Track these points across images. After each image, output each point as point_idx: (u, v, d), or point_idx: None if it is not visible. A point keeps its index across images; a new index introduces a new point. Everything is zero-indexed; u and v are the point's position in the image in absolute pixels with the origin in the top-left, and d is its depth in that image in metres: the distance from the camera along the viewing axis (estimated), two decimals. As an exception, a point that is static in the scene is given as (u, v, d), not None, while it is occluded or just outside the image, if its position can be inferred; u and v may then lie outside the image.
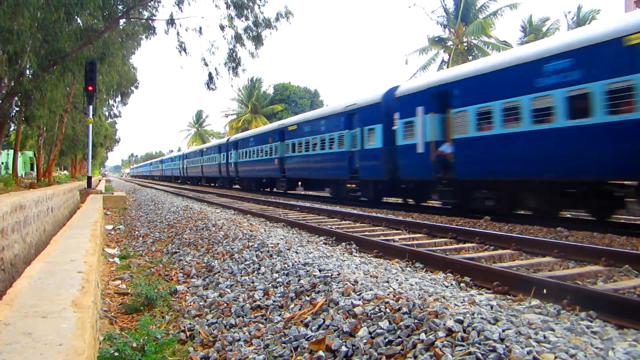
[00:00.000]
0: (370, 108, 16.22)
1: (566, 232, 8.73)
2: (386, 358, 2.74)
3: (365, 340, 2.93)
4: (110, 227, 11.83)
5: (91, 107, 18.34)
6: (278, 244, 6.27)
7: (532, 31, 35.56)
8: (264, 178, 27.62)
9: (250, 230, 7.75)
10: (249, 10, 17.02)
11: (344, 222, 10.85)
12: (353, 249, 6.91)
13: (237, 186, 34.24)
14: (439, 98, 12.79)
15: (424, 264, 5.69)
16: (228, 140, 35.47)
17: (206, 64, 18.27)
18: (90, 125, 19.35)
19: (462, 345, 2.61)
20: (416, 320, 2.98)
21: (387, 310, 3.22)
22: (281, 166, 23.69)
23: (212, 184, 41.93)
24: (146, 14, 17.82)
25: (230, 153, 33.01)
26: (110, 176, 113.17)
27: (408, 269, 5.55)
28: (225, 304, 4.35)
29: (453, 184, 12.42)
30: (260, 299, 4.31)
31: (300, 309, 3.79)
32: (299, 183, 24.78)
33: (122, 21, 17.26)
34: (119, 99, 33.15)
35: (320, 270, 4.56)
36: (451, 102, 12.28)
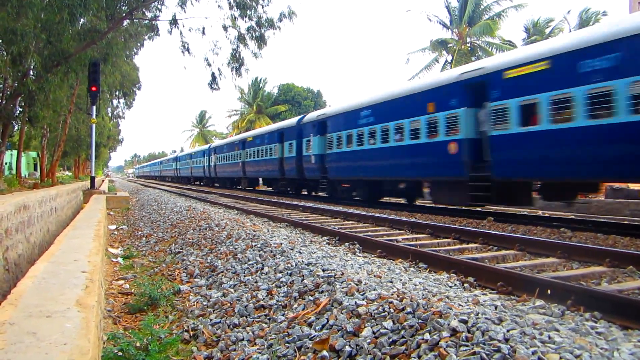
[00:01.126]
0: None
1: (569, 232, 8.71)
2: (390, 358, 2.73)
3: (369, 340, 2.93)
4: (113, 227, 11.86)
5: (94, 107, 18.41)
6: (281, 243, 6.26)
7: (536, 32, 35.48)
8: (404, 180, 15.35)
9: (254, 230, 7.75)
10: (252, 11, 17.07)
11: (347, 222, 10.85)
12: (356, 249, 6.90)
13: (308, 191, 22.73)
14: None
15: (427, 264, 5.68)
16: (301, 120, 22.04)
17: (209, 64, 18.33)
18: (94, 126, 19.45)
19: (467, 345, 2.60)
20: (420, 320, 2.97)
21: (391, 310, 3.21)
22: (469, 156, 11.55)
23: (245, 188, 31.15)
24: (149, 14, 17.87)
25: (310, 140, 20.09)
26: (114, 176, 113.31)
27: (412, 269, 5.54)
28: (228, 304, 4.35)
29: None
30: (264, 298, 4.30)
31: (303, 309, 3.78)
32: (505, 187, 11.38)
33: (125, 22, 17.31)
34: (122, 100, 33.29)
35: (323, 270, 4.56)
36: None
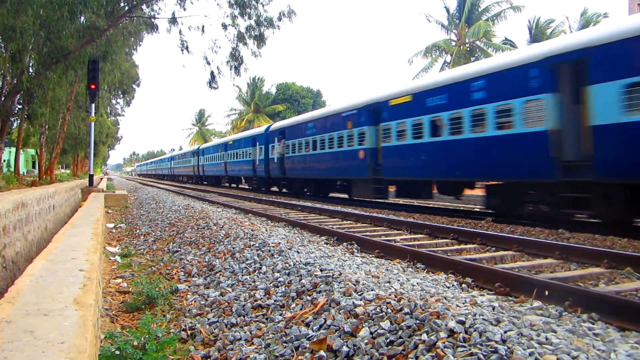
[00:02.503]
0: None
1: (567, 233, 8.71)
2: (387, 358, 2.73)
3: (366, 341, 2.93)
4: (111, 225, 11.84)
5: (93, 105, 18.37)
6: (279, 243, 6.26)
7: (538, 33, 35.47)
8: None
9: (252, 230, 7.74)
10: (252, 10, 17.04)
11: (345, 222, 10.85)
12: (354, 249, 6.90)
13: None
14: None
15: (425, 264, 5.68)
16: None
17: (208, 63, 18.29)
18: (93, 124, 19.39)
19: (464, 346, 2.60)
20: (418, 321, 2.97)
21: (389, 310, 3.21)
22: None
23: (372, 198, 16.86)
24: (147, 10, 17.83)
25: None
26: (112, 174, 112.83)
27: (409, 269, 5.54)
28: (226, 303, 4.35)
29: None
30: (262, 298, 4.30)
31: (301, 309, 3.78)
32: None
33: (124, 19, 17.27)
34: (121, 98, 33.21)
35: (321, 270, 4.56)
36: None
